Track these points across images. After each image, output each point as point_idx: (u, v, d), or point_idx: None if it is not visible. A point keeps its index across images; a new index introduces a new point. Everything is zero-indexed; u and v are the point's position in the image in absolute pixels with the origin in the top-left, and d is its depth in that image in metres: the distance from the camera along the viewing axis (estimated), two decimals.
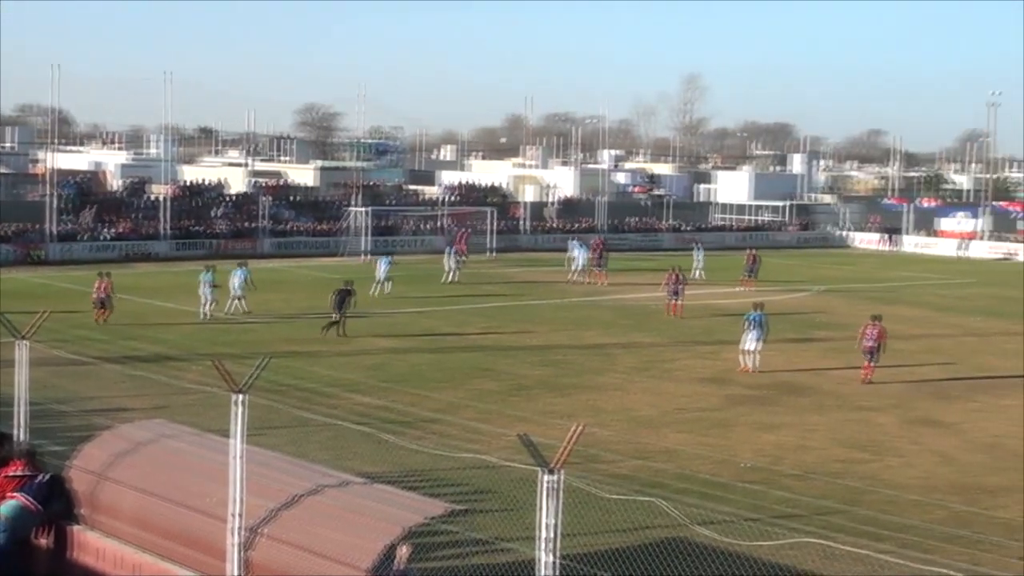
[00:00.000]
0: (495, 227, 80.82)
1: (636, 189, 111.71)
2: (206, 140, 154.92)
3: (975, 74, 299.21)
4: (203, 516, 14.73)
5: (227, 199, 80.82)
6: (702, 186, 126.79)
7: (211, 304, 43.13)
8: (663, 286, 48.82)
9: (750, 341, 35.30)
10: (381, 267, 52.91)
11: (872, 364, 33.97)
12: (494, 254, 75.39)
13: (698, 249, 65.21)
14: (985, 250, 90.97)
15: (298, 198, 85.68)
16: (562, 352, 37.66)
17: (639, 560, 16.45)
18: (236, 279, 44.44)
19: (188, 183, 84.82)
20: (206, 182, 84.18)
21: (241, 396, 13.95)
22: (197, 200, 79.20)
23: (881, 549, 18.07)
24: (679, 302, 47.91)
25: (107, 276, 42.21)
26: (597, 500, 18.42)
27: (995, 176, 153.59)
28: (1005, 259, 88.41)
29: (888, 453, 25.53)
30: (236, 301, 44.18)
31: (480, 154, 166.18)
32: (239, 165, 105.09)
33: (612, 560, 16.71)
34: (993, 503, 21.84)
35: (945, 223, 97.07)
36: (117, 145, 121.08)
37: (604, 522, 19.09)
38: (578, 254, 62.02)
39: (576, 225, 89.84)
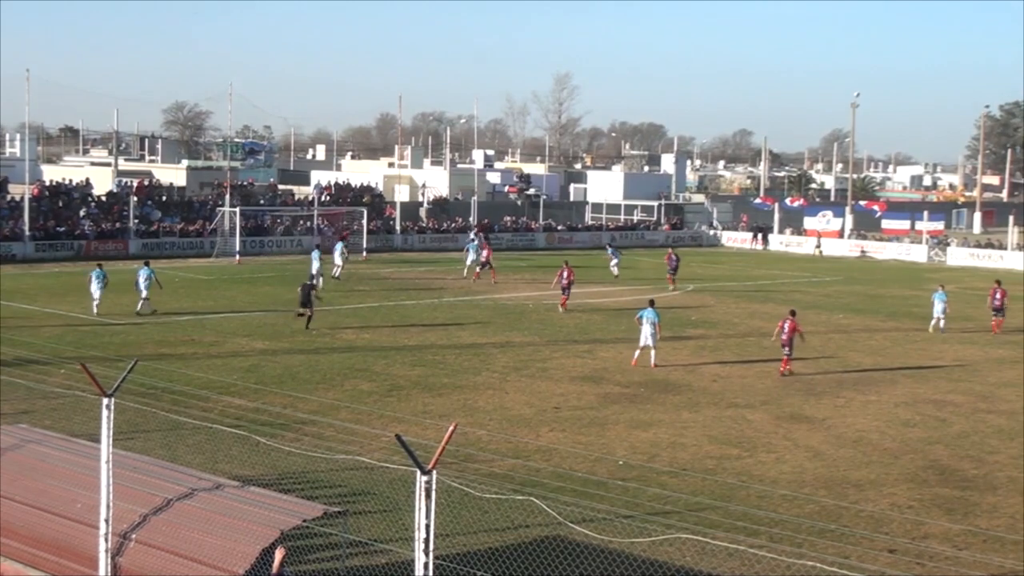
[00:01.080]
0: (368, 227, 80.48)
1: (509, 189, 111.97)
2: (70, 139, 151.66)
3: (839, 75, 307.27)
4: (71, 522, 14.41)
5: (92, 200, 79.06)
6: (575, 186, 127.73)
7: (98, 303, 43.86)
8: (555, 281, 50.23)
9: (647, 337, 35.97)
10: (315, 262, 53.86)
11: (785, 356, 35.68)
12: (366, 254, 74.99)
13: (614, 252, 67.06)
14: (846, 248, 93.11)
15: (167, 198, 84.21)
16: (437, 352, 37.59)
17: (516, 559, 16.48)
18: (141, 279, 44.77)
19: (51, 183, 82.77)
20: (70, 182, 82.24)
21: (110, 400, 13.64)
22: (61, 200, 77.30)
23: (754, 544, 18.41)
24: (566, 296, 49.47)
25: None
26: (474, 500, 18.46)
27: (860, 176, 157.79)
28: (861, 256, 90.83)
29: (760, 449, 25.95)
30: (144, 300, 44.54)
31: (352, 154, 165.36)
32: (105, 165, 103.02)
33: (489, 559, 16.71)
34: (859, 496, 22.33)
35: (811, 222, 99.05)
36: None
37: (481, 521, 19.13)
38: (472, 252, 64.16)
39: (451, 225, 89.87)
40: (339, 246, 61.81)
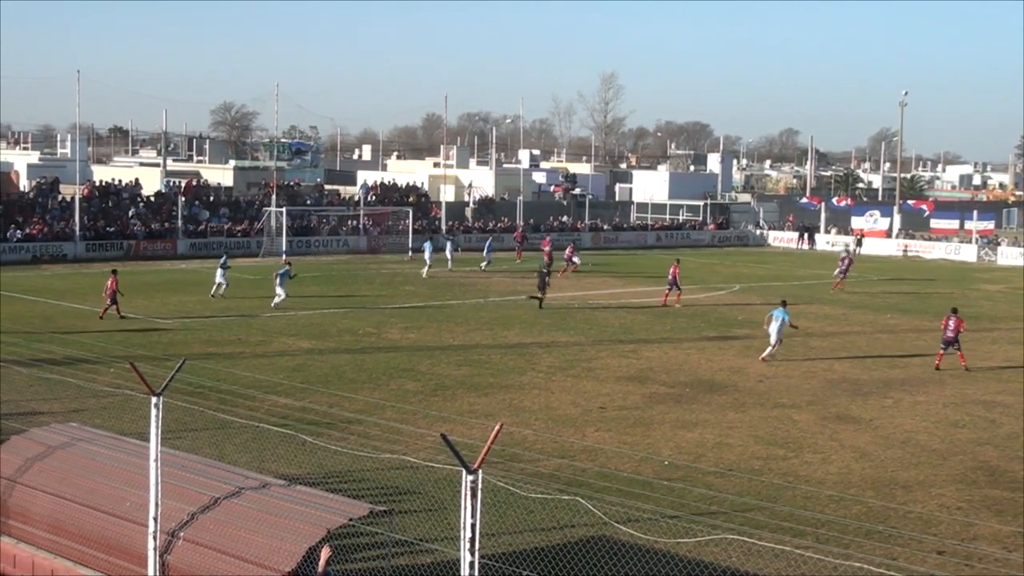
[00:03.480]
0: (413, 227, 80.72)
1: (555, 188, 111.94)
2: (120, 140, 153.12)
3: (887, 74, 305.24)
4: (120, 520, 14.53)
5: (141, 200, 79.73)
6: (620, 185, 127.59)
7: (224, 288, 49.43)
8: (668, 278, 52.38)
9: (775, 334, 37.35)
10: (427, 252, 62.77)
11: (958, 351, 36.81)
12: (412, 254, 75.15)
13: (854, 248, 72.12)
14: (894, 248, 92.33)
15: (214, 198, 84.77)
16: (483, 352, 37.63)
17: (562, 559, 16.48)
18: (277, 278, 47.26)
19: (101, 183, 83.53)
20: (120, 182, 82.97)
21: (158, 399, 13.75)
22: (111, 200, 78.00)
23: (800, 544, 18.31)
24: (678, 292, 51.94)
25: (114, 273, 44.24)
26: (519, 499, 18.47)
27: (908, 175, 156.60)
28: (904, 255, 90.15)
29: (806, 449, 25.80)
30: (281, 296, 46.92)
31: (398, 154, 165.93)
32: (154, 165, 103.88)
33: (535, 559, 16.71)
34: (907, 498, 22.15)
35: (858, 222, 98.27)
36: (23, 145, 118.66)
37: (527, 521, 19.13)
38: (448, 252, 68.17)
39: (498, 224, 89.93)
40: (449, 244, 69.60)
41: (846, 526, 19.97)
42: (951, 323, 36.85)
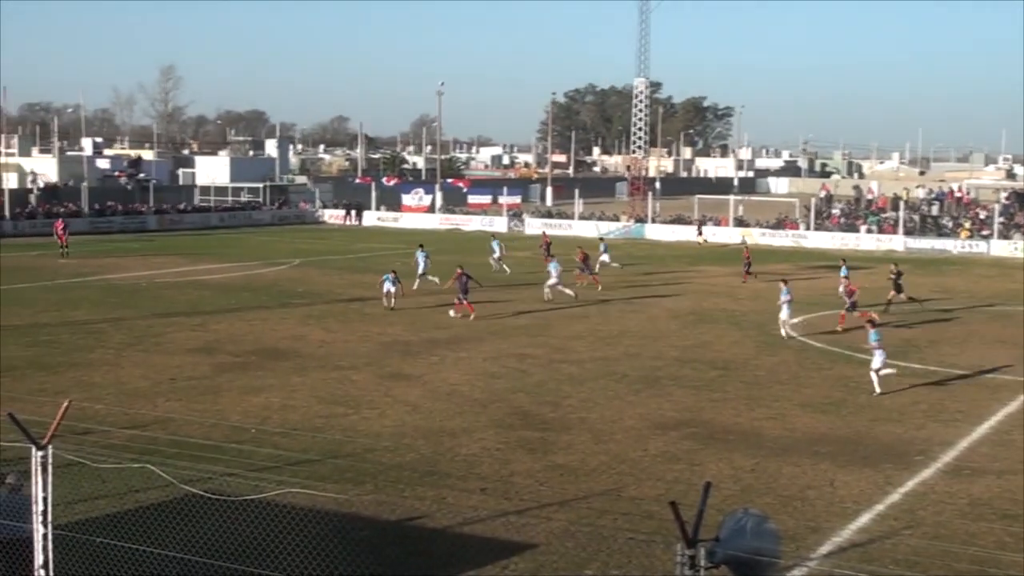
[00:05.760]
0: None
1: (119, 174, 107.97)
2: None
3: (425, 64, 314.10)
4: None
5: None
6: (183, 170, 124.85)
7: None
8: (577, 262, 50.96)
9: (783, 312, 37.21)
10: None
11: (851, 312, 37.44)
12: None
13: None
14: (436, 222, 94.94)
15: None
16: (51, 331, 35.68)
17: (134, 522, 15.99)
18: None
19: None
20: None
21: None
22: None
23: (362, 492, 18.63)
24: (590, 275, 50.85)
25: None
26: (91, 471, 17.74)
27: (447, 156, 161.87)
28: (455, 229, 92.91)
29: (364, 406, 26.17)
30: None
31: None
32: None
33: (108, 524, 16.13)
34: (454, 443, 22.92)
35: (407, 199, 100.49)
36: None
37: (100, 490, 18.42)
38: None
39: (61, 210, 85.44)
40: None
41: (401, 473, 20.44)
42: (848, 287, 39.05)
